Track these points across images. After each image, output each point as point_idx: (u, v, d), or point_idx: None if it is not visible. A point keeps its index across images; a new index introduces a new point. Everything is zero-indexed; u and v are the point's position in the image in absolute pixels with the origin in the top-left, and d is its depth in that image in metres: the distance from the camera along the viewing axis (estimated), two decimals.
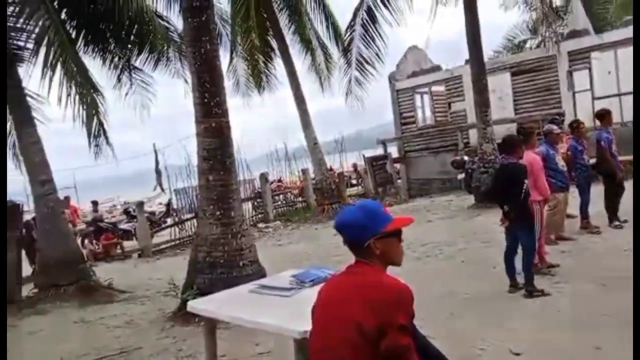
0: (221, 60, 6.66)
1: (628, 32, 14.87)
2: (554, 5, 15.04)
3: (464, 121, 17.44)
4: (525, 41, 23.04)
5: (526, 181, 5.16)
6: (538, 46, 21.18)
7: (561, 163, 6.83)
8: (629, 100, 13.80)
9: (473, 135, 15.52)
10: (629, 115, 13.77)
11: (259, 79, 15.60)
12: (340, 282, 2.09)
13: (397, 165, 19.33)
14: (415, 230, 9.75)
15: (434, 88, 19.06)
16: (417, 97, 19.66)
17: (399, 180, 18.96)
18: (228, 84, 15.28)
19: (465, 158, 14.79)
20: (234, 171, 6.50)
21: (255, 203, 16.01)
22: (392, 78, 19.46)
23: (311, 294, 2.29)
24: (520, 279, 5.36)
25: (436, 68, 19.24)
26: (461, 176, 14.90)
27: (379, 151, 19.86)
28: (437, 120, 19.14)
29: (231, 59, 15.32)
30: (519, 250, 5.41)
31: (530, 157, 5.74)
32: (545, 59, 15.84)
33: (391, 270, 2.02)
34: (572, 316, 4.56)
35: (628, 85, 14.63)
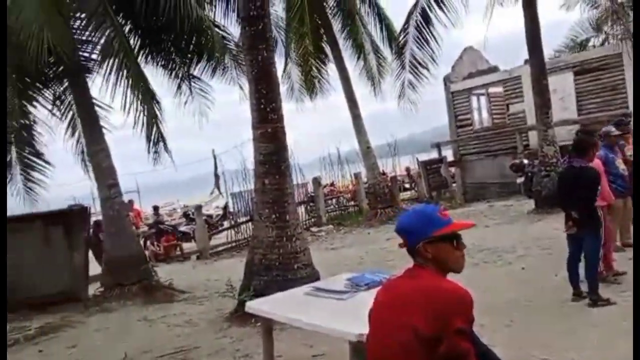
0: (276, 67, 6.80)
1: None
2: (620, 1, 14.32)
3: (523, 123, 16.87)
4: (588, 39, 21.98)
5: (599, 187, 4.92)
6: (602, 44, 20.20)
7: (622, 167, 6.46)
8: None
9: (533, 137, 14.97)
10: None
11: (312, 84, 15.74)
12: (397, 285, 2.08)
13: (452, 169, 18.93)
14: (473, 235, 9.49)
15: (491, 89, 18.57)
16: (474, 99, 19.22)
17: (454, 185, 18.57)
18: (282, 89, 15.55)
19: (525, 161, 14.31)
20: (289, 175, 6.62)
21: (309, 207, 16.17)
22: (447, 80, 19.13)
23: (367, 298, 2.30)
24: (584, 287, 5.12)
25: (493, 69, 18.75)
26: (520, 180, 14.40)
27: (433, 155, 19.56)
28: (494, 123, 18.63)
29: (286, 64, 15.57)
30: (583, 258, 5.17)
31: (595, 162, 5.48)
32: (610, 58, 15.09)
33: (449, 277, 1.99)
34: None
35: None
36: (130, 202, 15.43)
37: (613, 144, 6.61)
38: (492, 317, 4.94)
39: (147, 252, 11.79)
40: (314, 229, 14.51)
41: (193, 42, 9.31)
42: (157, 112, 8.67)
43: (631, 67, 14.59)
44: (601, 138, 6.41)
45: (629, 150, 7.50)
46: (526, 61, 12.98)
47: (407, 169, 23.63)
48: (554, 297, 5.37)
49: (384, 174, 18.96)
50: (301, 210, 14.94)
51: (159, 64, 9.77)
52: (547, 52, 19.83)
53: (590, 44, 21.77)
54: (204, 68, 9.96)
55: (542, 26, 11.21)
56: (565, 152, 9.79)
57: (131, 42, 9.15)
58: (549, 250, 7.23)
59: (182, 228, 16.04)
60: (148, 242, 14.08)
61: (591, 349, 4.01)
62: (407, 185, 22.48)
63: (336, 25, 15.35)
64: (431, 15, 11.92)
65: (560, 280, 5.52)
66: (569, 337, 4.33)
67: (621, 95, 15.12)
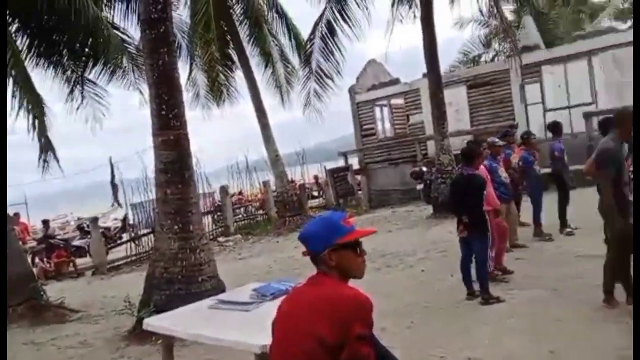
0: (180, 72, 6.58)
1: (577, 47, 15.66)
2: (507, 21, 15.65)
3: (422, 133, 17.81)
4: (480, 55, 23.88)
5: (485, 192, 5.30)
6: (492, 60, 22.00)
7: (504, 175, 7.07)
8: (578, 112, 14.49)
9: (431, 146, 15.86)
10: (578, 127, 14.42)
11: (219, 91, 15.46)
12: (299, 294, 2.08)
13: (358, 177, 19.50)
14: (376, 240, 9.82)
15: (393, 101, 19.42)
16: (377, 110, 19.97)
17: (359, 192, 19.12)
18: (187, 95, 15.13)
19: (424, 169, 15.10)
20: (193, 184, 6.40)
21: (216, 216, 15.78)
22: (352, 91, 19.72)
23: (272, 308, 2.26)
24: (477, 286, 5.47)
25: (395, 81, 19.62)
26: (420, 187, 15.20)
27: (340, 163, 20.01)
28: (396, 132, 19.49)
29: (190, 70, 15.17)
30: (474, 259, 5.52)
31: (480, 169, 5.92)
32: (498, 73, 16.43)
33: (353, 282, 2.01)
34: (526, 322, 4.68)
35: (577, 98, 15.38)
36: (16, 215, 14.08)
37: (497, 154, 7.20)
38: (393, 319, 5.12)
39: (35, 269, 10.80)
40: (221, 239, 14.19)
41: (88, 44, 8.75)
42: (45, 118, 8.02)
43: (517, 82, 16.04)
44: (487, 148, 6.95)
45: (515, 159, 8.23)
46: (424, 75, 13.73)
47: (316, 177, 23.96)
48: (450, 297, 5.69)
49: (292, 182, 19.04)
50: (208, 220, 14.56)
51: (50, 66, 9.06)
52: (443, 66, 21.12)
53: (482, 59, 23.66)
54: (101, 71, 9.41)
55: (438, 42, 11.93)
56: (459, 160, 10.46)
57: (19, 42, 8.42)
58: (445, 253, 7.66)
59: (76, 242, 14.95)
60: (37, 259, 12.92)
61: (483, 347, 4.27)
62: (315, 193, 22.78)
63: (243, 32, 15.24)
64: (336, 27, 12.22)
65: (456, 282, 5.86)
66: (463, 336, 4.59)
67: (508, 107, 16.52)
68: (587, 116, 13.45)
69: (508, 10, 23.16)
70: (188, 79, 15.23)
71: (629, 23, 25.32)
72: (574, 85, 15.61)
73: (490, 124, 16.31)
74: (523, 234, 7.87)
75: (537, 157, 8.20)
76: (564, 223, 7.89)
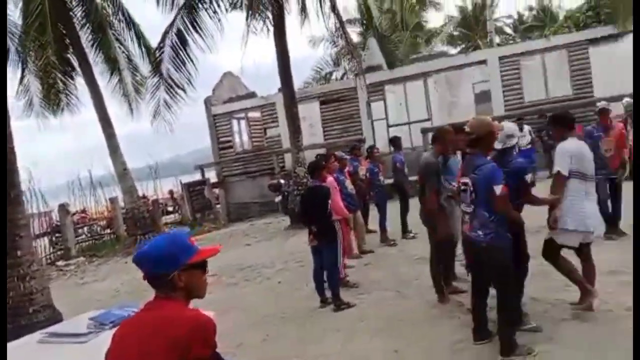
0: (7, 77, 5.84)
1: (414, 68, 17.31)
2: (353, 42, 16.71)
3: (279, 146, 18.15)
4: (331, 73, 25.17)
5: (330, 201, 5.53)
6: (342, 78, 23.32)
7: (350, 187, 7.56)
8: (416, 128, 16.02)
9: (288, 159, 16.22)
10: (416, 141, 15.94)
11: (56, 98, 14.00)
12: (137, 320, 1.94)
13: (216, 190, 19.16)
14: (234, 254, 9.72)
15: (251, 114, 19.51)
16: (235, 122, 19.89)
17: (218, 205, 18.78)
18: (19, 103, 13.49)
19: (282, 181, 15.38)
20: (22, 203, 5.68)
21: (54, 238, 14.21)
22: (208, 103, 19.36)
23: (111, 337, 2.07)
24: (330, 294, 5.67)
25: (251, 95, 19.75)
26: (278, 199, 15.47)
27: (197, 177, 19.46)
28: (254, 145, 19.57)
29: (22, 76, 13.53)
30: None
31: (329, 180, 6.20)
32: (347, 90, 17.48)
33: (210, 300, 1.93)
34: (374, 324, 4.97)
35: (415, 115, 17.00)
36: None
37: (344, 167, 7.69)
38: (250, 333, 5.08)
39: None
40: (60, 263, 12.80)
41: None
42: None
43: (364, 99, 17.19)
44: (335, 161, 7.33)
45: (362, 171, 8.80)
46: (280, 89, 14.02)
47: (171, 192, 22.96)
48: (306, 306, 5.81)
49: (144, 197, 17.98)
50: (43, 242, 13.08)
51: None
52: (299, 82, 21.94)
53: (333, 77, 24.97)
54: None
55: (293, 58, 12.26)
56: None
57: None
58: (302, 263, 7.84)
59: None
60: None
61: (335, 353, 4.43)
62: (170, 209, 21.80)
63: (85, 36, 14.04)
64: (187, 37, 11.86)
65: (310, 291, 6.01)
66: (318, 343, 4.71)
67: (357, 123, 17.62)
68: (424, 132, 14.97)
69: (355, 32, 24.93)
70: (19, 84, 13.59)
71: (459, 48, 28.85)
72: (412, 103, 17.25)
73: (340, 138, 17.25)
74: (371, 240, 8.40)
75: (382, 169, 8.89)
76: (405, 229, 8.60)
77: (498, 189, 3.54)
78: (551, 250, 4.24)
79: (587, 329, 3.99)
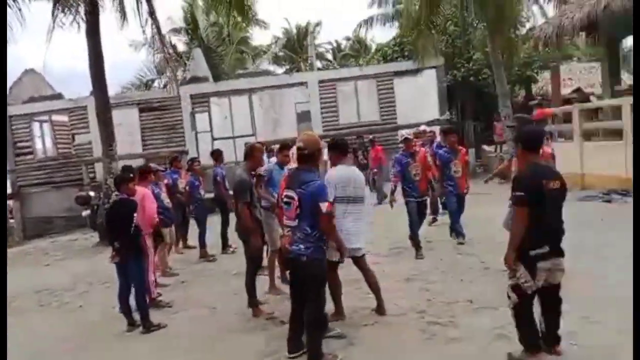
0: None
1: (240, 83, 17.47)
2: (177, 50, 16.20)
3: (89, 154, 16.65)
4: (153, 80, 24.00)
5: (135, 215, 5.14)
6: (165, 86, 22.38)
7: (166, 200, 7.28)
8: (241, 142, 16.07)
9: (99, 169, 14.88)
10: (241, 156, 15.97)
11: None
12: None
13: (10, 203, 16.64)
14: (28, 275, 8.52)
15: (56, 117, 17.52)
16: (36, 126, 17.66)
17: (11, 220, 16.30)
18: None
19: (91, 193, 13.98)
20: None
21: None
22: None
23: None
24: (138, 315, 5.26)
25: (58, 96, 17.80)
26: (87, 213, 13.96)
27: None
28: (59, 152, 17.58)
29: None
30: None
31: (142, 192, 5.80)
32: (170, 99, 16.80)
33: None
34: (186, 343, 4.74)
35: (241, 129, 17.09)
36: None
37: (159, 180, 7.44)
38: None
39: None
40: None
41: None
42: None
43: (188, 110, 16.70)
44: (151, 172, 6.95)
45: (182, 183, 8.49)
46: (92, 92, 12.82)
47: None
48: (112, 330, 5.29)
49: None
50: None
51: None
52: (116, 87, 20.44)
53: (155, 84, 23.83)
54: None
55: (112, 61, 11.34)
56: None
57: None
58: (108, 284, 7.13)
59: None
60: None
61: None
62: None
63: None
64: None
65: (117, 313, 5.50)
66: None
67: (180, 133, 17.04)
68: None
69: (181, 41, 24.25)
70: None
71: (284, 69, 30.01)
72: (238, 118, 17.35)
73: (162, 148, 16.50)
74: (189, 256, 8.09)
75: (202, 182, 8.67)
76: (225, 243, 8.49)
77: (324, 207, 3.66)
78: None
79: (384, 333, 4.38)
